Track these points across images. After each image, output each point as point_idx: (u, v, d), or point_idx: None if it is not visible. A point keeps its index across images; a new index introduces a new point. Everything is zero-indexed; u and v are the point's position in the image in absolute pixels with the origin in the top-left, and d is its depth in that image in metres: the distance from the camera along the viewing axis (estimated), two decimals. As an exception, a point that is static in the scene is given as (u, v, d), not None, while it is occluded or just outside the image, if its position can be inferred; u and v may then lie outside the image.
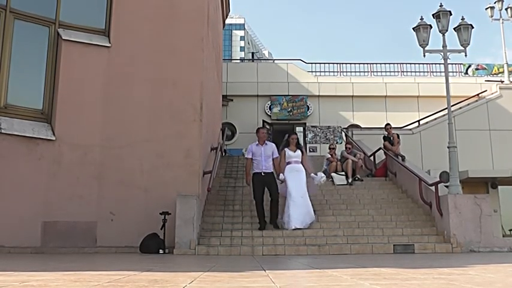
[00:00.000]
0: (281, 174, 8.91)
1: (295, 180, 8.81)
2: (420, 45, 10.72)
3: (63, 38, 8.66)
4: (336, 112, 19.67)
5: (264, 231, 8.44)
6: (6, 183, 8.01)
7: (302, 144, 10.08)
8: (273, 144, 9.13)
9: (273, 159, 8.92)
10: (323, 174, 9.50)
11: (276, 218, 8.73)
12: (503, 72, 19.49)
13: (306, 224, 8.62)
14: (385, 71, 21.04)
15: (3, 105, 8.26)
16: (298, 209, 8.58)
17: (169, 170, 8.42)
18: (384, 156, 12.69)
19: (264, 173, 8.74)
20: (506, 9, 18.65)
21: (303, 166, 9.09)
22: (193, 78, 8.91)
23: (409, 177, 10.42)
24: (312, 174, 9.19)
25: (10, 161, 8.08)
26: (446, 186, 9.51)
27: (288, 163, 9.03)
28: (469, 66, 21.49)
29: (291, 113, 19.56)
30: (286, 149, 9.13)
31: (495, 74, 21.15)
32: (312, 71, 20.84)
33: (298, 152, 9.20)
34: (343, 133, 17.50)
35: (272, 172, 8.87)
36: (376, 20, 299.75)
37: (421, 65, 21.02)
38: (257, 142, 9.06)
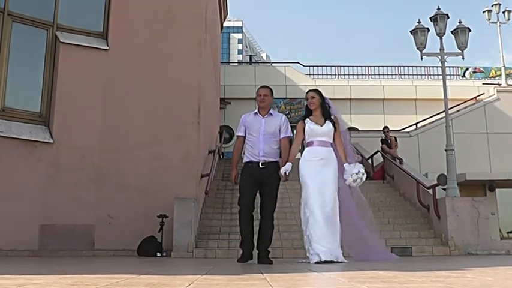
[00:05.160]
0: (288, 164, 5.12)
1: (319, 177, 5.10)
2: (418, 48, 10.79)
3: (61, 40, 8.65)
4: (334, 115, 19.70)
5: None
6: (4, 186, 7.98)
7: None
8: (283, 116, 5.45)
9: (280, 141, 5.33)
10: (361, 167, 5.29)
11: (266, 251, 5.28)
12: (500, 75, 19.56)
13: (337, 255, 5.07)
14: (383, 74, 21.15)
15: (1, 108, 8.25)
16: (323, 228, 5.01)
17: (167, 172, 8.40)
18: (381, 159, 12.72)
19: (262, 163, 5.21)
20: (503, 12, 18.72)
21: (335, 152, 5.27)
22: (191, 81, 8.93)
23: (407, 180, 10.44)
24: (346, 164, 5.24)
25: (8, 163, 8.06)
26: (444, 189, 9.55)
27: (309, 144, 5.30)
28: (467, 69, 21.60)
29: (288, 116, 19.59)
30: (307, 120, 5.34)
31: (492, 77, 21.25)
32: (309, 74, 20.92)
33: (329, 125, 5.27)
34: (341, 136, 17.50)
35: (276, 162, 5.29)
36: (374, 23, 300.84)
37: (418, 68, 21.16)
38: (256, 110, 5.50)
